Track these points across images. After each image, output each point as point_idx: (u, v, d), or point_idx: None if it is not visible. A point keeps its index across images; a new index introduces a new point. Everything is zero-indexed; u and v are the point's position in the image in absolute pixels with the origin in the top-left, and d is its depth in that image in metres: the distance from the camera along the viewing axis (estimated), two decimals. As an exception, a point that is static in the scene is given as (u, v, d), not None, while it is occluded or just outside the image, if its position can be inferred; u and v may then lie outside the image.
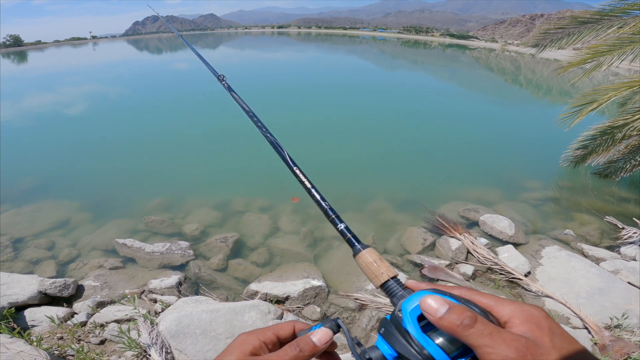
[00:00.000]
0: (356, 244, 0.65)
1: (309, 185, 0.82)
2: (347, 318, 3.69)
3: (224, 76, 1.75)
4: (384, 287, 0.57)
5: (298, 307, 3.77)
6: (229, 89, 1.55)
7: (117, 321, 3.19)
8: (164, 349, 2.78)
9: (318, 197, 0.79)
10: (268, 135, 1.05)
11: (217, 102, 15.05)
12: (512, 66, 38.66)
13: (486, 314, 0.45)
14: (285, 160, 0.93)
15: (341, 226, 0.70)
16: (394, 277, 0.57)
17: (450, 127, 11.70)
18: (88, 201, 6.29)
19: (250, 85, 19.65)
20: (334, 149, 9.30)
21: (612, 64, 6.05)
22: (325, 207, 0.75)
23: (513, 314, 0.44)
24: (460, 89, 21.95)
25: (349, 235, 0.68)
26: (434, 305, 0.44)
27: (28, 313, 3.22)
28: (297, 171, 0.88)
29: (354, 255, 0.64)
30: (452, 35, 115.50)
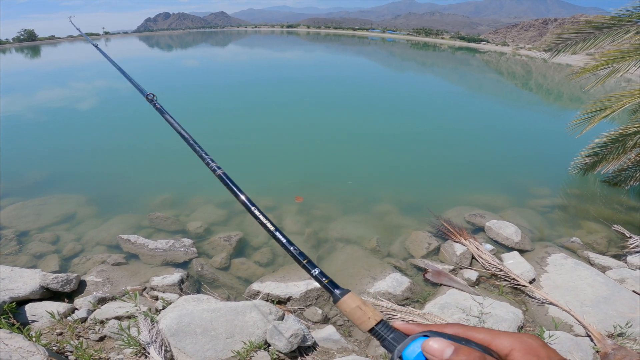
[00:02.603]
0: (334, 290, 0.60)
1: (272, 228, 0.73)
2: (348, 321, 3.65)
3: (153, 95, 1.63)
4: (373, 332, 0.55)
5: (300, 308, 3.75)
6: (161, 110, 1.42)
7: (118, 318, 3.18)
8: (163, 347, 2.77)
9: (284, 240, 0.71)
10: (211, 164, 0.95)
11: (224, 100, 15.12)
12: (523, 70, 38.31)
13: (488, 352, 0.46)
14: (237, 197, 0.82)
15: (315, 272, 0.65)
16: (381, 321, 0.55)
17: (458, 131, 11.60)
18: (94, 196, 6.32)
19: (259, 80, 19.72)
20: (340, 150, 9.27)
21: (628, 70, 5.95)
22: (294, 252, 0.68)
23: (513, 347, 0.45)
24: (469, 93, 21.79)
25: (325, 280, 0.62)
26: (439, 348, 0.44)
27: (29, 308, 3.22)
28: (256, 212, 0.77)
29: (335, 301, 0.59)
30: (462, 38, 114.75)
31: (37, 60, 48.37)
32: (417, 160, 8.84)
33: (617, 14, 5.87)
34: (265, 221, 0.73)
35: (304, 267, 0.66)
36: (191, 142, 1.06)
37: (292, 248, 0.68)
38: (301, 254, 0.68)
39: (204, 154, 0.99)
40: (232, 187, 0.84)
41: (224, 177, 0.89)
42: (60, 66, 35.76)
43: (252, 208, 0.77)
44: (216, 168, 0.93)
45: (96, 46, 2.77)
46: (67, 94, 17.72)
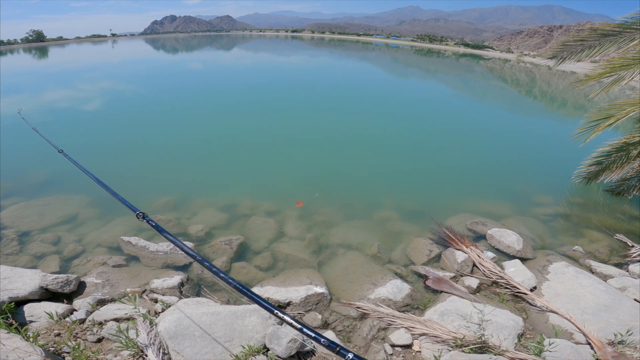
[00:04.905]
0: None
1: (298, 326, 0.90)
2: (347, 326, 3.63)
3: (144, 214, 1.91)
4: None
5: (299, 313, 3.73)
6: (157, 227, 1.77)
7: (116, 320, 3.18)
8: (161, 350, 2.76)
9: (313, 335, 0.86)
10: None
11: (228, 104, 15.16)
12: (527, 77, 38.25)
13: None
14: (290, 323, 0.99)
15: (349, 356, 0.76)
16: None
17: (460, 138, 11.59)
18: (97, 197, 6.33)
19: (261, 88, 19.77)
20: (344, 157, 9.27)
21: (632, 78, 5.93)
22: (324, 343, 0.83)
23: None
24: (472, 99, 21.78)
25: None
26: None
27: (27, 308, 3.23)
28: (279, 313, 0.96)
29: None
30: (466, 45, 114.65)
31: (44, 61, 48.72)
32: (419, 167, 8.82)
33: (622, 21, 5.85)
34: (291, 321, 0.91)
35: (337, 353, 0.77)
36: (198, 258, 1.32)
37: (322, 340, 0.82)
38: (333, 343, 0.80)
39: (217, 271, 1.25)
40: (258, 300, 1.10)
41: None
42: (67, 67, 35.98)
43: (276, 311, 0.99)
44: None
45: (79, 166, 2.96)
46: (71, 94, 17.83)
